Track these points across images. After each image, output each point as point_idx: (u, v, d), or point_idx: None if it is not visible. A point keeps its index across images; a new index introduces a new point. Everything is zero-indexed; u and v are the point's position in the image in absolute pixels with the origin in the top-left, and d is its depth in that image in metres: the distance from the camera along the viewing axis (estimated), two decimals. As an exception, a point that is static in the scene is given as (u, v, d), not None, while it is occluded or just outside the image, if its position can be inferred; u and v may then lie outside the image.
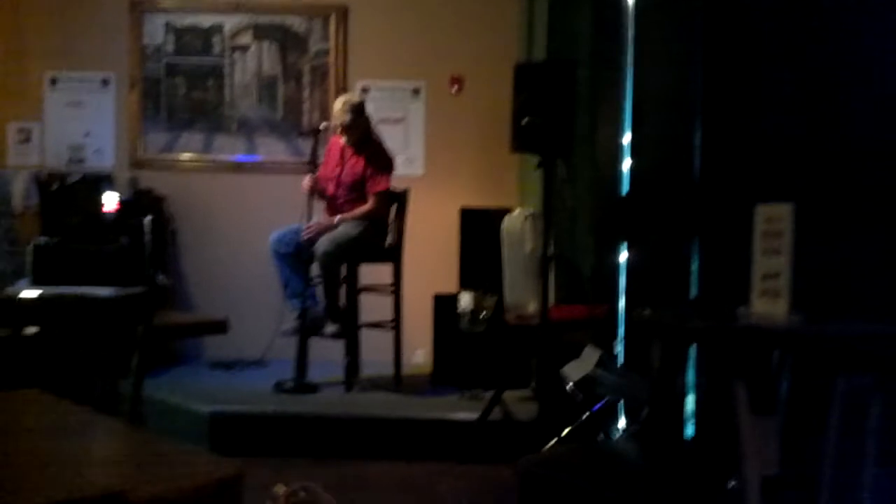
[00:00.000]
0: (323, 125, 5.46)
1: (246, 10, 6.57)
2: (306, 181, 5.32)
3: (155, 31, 6.57)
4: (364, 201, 5.31)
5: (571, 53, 5.24)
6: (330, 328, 5.22)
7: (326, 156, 5.49)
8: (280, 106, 6.62)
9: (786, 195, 2.74)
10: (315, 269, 5.23)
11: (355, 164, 5.35)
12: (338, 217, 5.29)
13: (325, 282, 5.17)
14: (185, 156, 6.59)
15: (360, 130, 5.36)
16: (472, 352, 5.28)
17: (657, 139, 4.63)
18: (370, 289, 5.48)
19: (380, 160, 5.37)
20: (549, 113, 4.48)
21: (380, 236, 5.40)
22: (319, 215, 5.40)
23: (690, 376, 4.00)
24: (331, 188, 5.40)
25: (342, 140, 5.37)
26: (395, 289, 5.45)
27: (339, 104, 5.37)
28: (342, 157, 5.39)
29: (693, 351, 3.94)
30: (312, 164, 5.33)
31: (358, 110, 5.33)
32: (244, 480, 1.53)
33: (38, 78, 6.59)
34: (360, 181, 5.32)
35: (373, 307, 5.48)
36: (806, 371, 2.85)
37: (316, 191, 5.33)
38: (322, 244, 5.09)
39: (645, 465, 3.56)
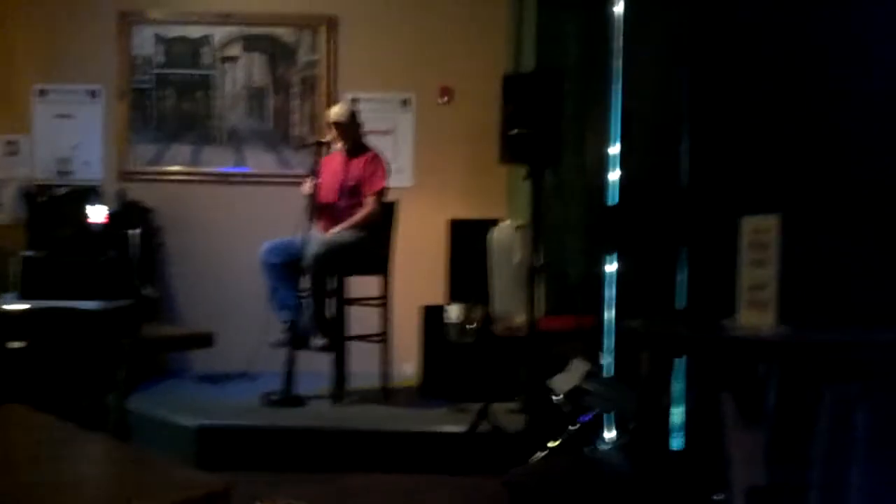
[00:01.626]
0: (327, 138, 5.48)
1: (235, 21, 6.57)
2: (307, 185, 5.33)
3: (144, 42, 6.57)
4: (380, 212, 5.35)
5: (559, 64, 5.25)
6: (317, 341, 5.20)
7: (324, 168, 5.50)
8: (269, 117, 6.62)
9: (773, 206, 2.75)
10: (305, 281, 5.21)
11: (354, 168, 5.40)
12: (336, 228, 5.28)
13: (314, 288, 5.14)
14: (174, 167, 6.58)
15: (356, 134, 5.45)
16: (461, 363, 5.28)
17: (645, 149, 4.64)
18: (358, 301, 5.47)
19: (376, 162, 5.42)
20: (537, 123, 4.49)
21: (375, 246, 5.39)
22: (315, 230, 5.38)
23: (678, 387, 4.00)
24: (333, 195, 5.40)
25: (338, 145, 5.40)
26: (384, 301, 5.44)
27: (339, 106, 5.57)
28: (343, 164, 5.43)
29: (681, 362, 3.94)
30: (314, 175, 5.37)
31: (354, 114, 5.48)
32: (231, 495, 1.52)
33: (26, 90, 6.58)
34: (359, 184, 5.36)
35: (361, 319, 5.47)
36: (793, 381, 2.85)
37: (315, 198, 5.34)
38: (313, 247, 5.08)
39: (633, 476, 3.56)
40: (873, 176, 3.03)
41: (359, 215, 5.30)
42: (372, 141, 5.76)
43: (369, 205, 5.33)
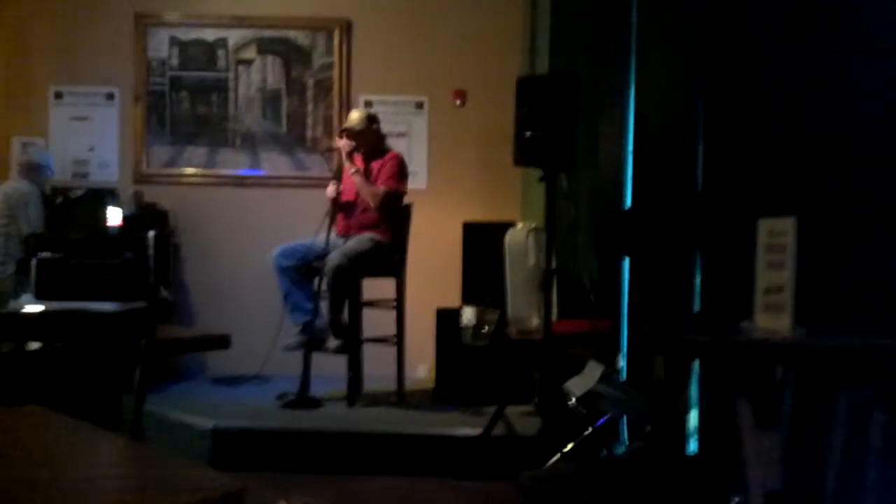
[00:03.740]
0: (351, 146, 5.48)
1: (250, 24, 6.60)
2: (331, 189, 5.36)
3: (159, 45, 6.60)
4: (386, 207, 5.35)
5: (574, 67, 5.25)
6: (333, 343, 5.21)
7: (347, 170, 5.50)
8: (284, 120, 6.64)
9: (789, 208, 2.74)
10: (322, 284, 5.22)
11: (373, 169, 5.43)
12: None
13: (333, 296, 5.16)
14: (189, 170, 6.61)
15: (375, 139, 5.47)
16: (475, 366, 5.27)
17: (660, 152, 4.63)
18: (373, 303, 5.48)
19: (391, 162, 5.43)
20: (551, 126, 4.49)
21: (392, 250, 5.40)
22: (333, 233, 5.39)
23: (693, 391, 3.99)
24: (352, 196, 5.42)
25: (345, 143, 5.41)
26: (398, 303, 5.44)
27: (354, 112, 5.62)
28: (363, 167, 5.46)
29: (696, 366, 3.93)
30: (338, 179, 5.40)
31: (371, 119, 5.49)
32: (246, 496, 1.52)
33: (42, 92, 6.62)
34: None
35: (375, 322, 5.48)
36: (809, 385, 2.84)
37: (337, 202, 5.36)
38: (334, 258, 5.09)
39: (648, 480, 3.55)
40: (891, 178, 3.02)
41: (372, 188, 5.30)
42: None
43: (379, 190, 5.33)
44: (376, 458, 4.67)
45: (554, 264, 4.63)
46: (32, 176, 6.00)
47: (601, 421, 4.31)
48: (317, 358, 5.25)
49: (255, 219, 6.46)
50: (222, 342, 3.35)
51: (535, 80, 5.01)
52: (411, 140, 6.53)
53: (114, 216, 5.56)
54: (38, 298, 4.83)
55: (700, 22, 4.17)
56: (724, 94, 3.95)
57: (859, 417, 2.55)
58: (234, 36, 6.61)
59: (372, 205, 5.31)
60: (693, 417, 4.00)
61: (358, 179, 5.32)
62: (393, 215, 5.38)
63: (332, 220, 5.34)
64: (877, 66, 3.08)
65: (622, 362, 4.79)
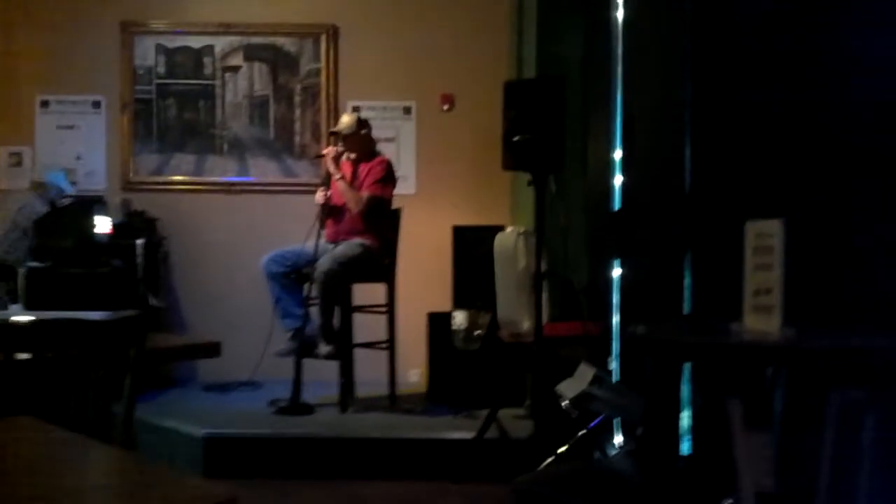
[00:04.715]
0: (338, 151, 5.47)
1: (236, 31, 6.59)
2: (320, 195, 5.36)
3: (146, 53, 6.59)
4: (370, 213, 5.34)
5: (561, 71, 5.25)
6: (324, 349, 5.21)
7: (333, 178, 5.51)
8: (271, 126, 6.63)
9: (777, 210, 2.74)
10: (313, 289, 5.21)
11: (360, 174, 5.43)
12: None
13: (323, 302, 5.17)
14: (177, 177, 6.60)
15: (364, 144, 5.47)
16: (467, 370, 5.27)
17: (648, 155, 4.63)
18: (364, 308, 5.47)
19: (378, 167, 5.43)
20: (539, 130, 4.49)
21: (382, 255, 5.40)
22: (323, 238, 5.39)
23: (685, 392, 4.00)
24: (340, 200, 5.41)
25: (338, 148, 5.42)
26: (389, 308, 5.44)
27: (345, 116, 5.65)
28: (351, 171, 5.46)
29: (687, 367, 3.93)
30: (327, 185, 5.40)
31: (360, 124, 5.50)
32: (238, 505, 1.52)
33: (29, 101, 6.60)
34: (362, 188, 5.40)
35: (367, 327, 5.47)
36: (800, 386, 2.85)
37: (326, 207, 5.36)
38: (324, 263, 5.09)
39: (641, 482, 3.55)
40: (878, 179, 3.03)
41: (356, 195, 5.31)
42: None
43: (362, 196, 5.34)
44: (369, 464, 4.67)
45: (544, 267, 4.63)
46: (39, 193, 6.01)
47: (594, 423, 4.31)
48: (308, 364, 5.25)
49: (245, 225, 6.45)
50: (212, 350, 3.35)
51: (523, 84, 5.01)
52: (399, 145, 6.53)
53: (102, 224, 5.54)
54: (27, 308, 4.81)
55: (687, 23, 4.18)
56: (711, 96, 3.96)
57: (850, 418, 2.55)
58: (220, 43, 6.60)
59: (354, 210, 5.31)
60: (685, 418, 4.00)
61: (341, 185, 5.33)
62: (377, 220, 5.37)
63: (322, 226, 5.34)
64: (868, 65, 3.09)
65: (614, 364, 4.79)
